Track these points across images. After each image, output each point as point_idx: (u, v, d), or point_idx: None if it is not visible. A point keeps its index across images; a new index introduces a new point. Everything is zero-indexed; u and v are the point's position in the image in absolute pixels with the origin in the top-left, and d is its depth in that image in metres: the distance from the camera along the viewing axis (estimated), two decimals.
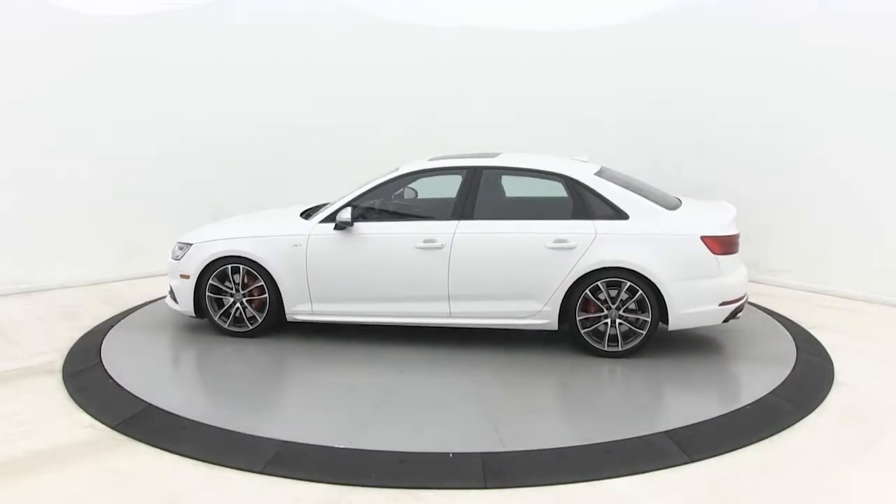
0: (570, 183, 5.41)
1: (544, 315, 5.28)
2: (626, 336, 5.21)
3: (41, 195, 7.58)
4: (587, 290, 5.15)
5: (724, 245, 5.15)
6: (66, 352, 5.50)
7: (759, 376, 4.90)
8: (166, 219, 8.42)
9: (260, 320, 5.69)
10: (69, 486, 3.52)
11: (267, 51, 9.02)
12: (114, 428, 4.15)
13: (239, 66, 8.84)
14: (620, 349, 5.20)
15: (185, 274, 5.77)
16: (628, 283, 5.10)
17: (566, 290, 5.19)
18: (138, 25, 8.15)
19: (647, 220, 5.20)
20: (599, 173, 5.56)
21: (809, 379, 4.95)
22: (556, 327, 5.31)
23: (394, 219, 5.59)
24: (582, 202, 5.33)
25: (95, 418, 4.30)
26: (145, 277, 8.00)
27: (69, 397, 4.64)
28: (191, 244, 5.87)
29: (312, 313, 5.63)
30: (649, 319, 5.12)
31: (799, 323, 6.29)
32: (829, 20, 7.52)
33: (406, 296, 5.41)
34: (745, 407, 4.39)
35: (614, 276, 5.12)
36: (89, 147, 7.86)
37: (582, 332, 5.24)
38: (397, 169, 5.73)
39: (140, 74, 8.14)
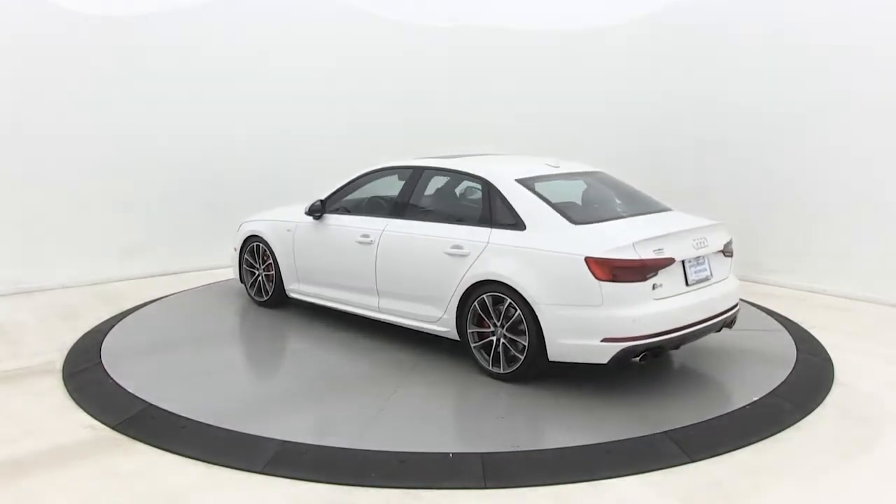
0: (485, 187, 5.10)
1: (444, 323, 5.09)
2: (512, 360, 4.72)
3: (41, 195, 7.57)
4: (475, 303, 4.84)
5: (611, 271, 4.31)
6: (66, 352, 5.50)
7: (758, 376, 4.90)
8: (166, 219, 8.43)
9: (270, 293, 6.58)
10: (69, 486, 3.52)
11: (267, 51, 9.02)
12: (114, 428, 4.15)
13: (239, 65, 8.83)
14: (502, 371, 4.75)
15: (235, 247, 7.01)
16: (508, 301, 4.65)
17: (458, 299, 4.93)
18: (138, 25, 8.14)
19: (543, 234, 4.66)
20: (529, 179, 5.09)
21: (809, 379, 4.95)
22: (457, 337, 5.05)
23: (353, 213, 5.96)
24: (489, 208, 5.00)
25: (95, 418, 4.29)
26: (145, 277, 8.00)
27: (69, 397, 4.64)
28: (242, 222, 6.92)
29: (300, 292, 6.36)
30: (526, 343, 4.60)
31: (799, 323, 6.29)
32: (829, 20, 7.52)
33: (349, 285, 5.80)
34: (745, 407, 4.39)
35: (498, 290, 4.70)
36: (89, 147, 7.85)
37: (472, 346, 4.93)
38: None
39: (140, 74, 8.13)
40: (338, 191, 6.11)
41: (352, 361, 5.28)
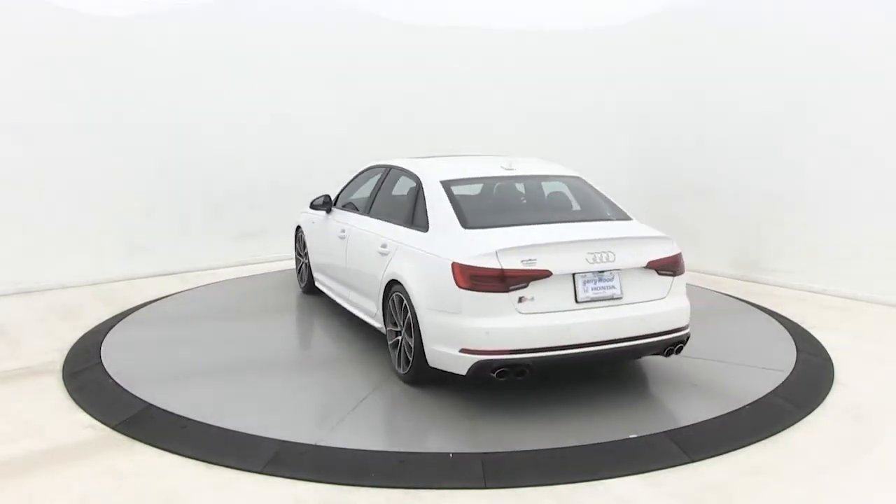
0: (416, 187, 5.10)
1: (378, 318, 5.14)
2: (408, 362, 4.64)
3: (41, 195, 7.58)
4: (389, 302, 4.86)
5: (470, 278, 4.12)
6: (66, 352, 5.50)
7: (759, 376, 4.90)
8: (166, 219, 8.43)
9: (305, 281, 7.14)
10: (69, 486, 3.51)
11: (267, 51, 9.03)
12: (114, 428, 4.15)
13: (239, 65, 8.84)
14: (402, 372, 4.73)
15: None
16: (404, 302, 4.61)
17: (381, 297, 4.97)
18: (139, 25, 8.15)
19: (437, 237, 4.60)
20: (455, 180, 5.01)
21: (809, 379, 4.95)
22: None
23: (346, 209, 6.17)
24: (413, 208, 5.02)
25: (95, 418, 4.29)
26: (145, 277, 8.00)
27: (69, 397, 4.64)
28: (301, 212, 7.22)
29: (320, 282, 6.76)
30: (412, 346, 4.53)
31: (799, 323, 6.28)
32: (828, 19, 7.52)
33: (338, 278, 6.13)
34: (745, 407, 4.39)
35: (400, 291, 4.67)
36: (90, 147, 7.86)
37: (388, 343, 4.95)
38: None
39: (141, 74, 8.14)
40: (344, 188, 6.46)
41: (355, 362, 5.28)
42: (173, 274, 8.21)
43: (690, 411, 4.32)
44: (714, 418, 4.22)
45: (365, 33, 9.71)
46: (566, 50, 9.85)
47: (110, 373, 4.95)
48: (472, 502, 3.39)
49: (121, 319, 6.33)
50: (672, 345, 4.53)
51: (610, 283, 4.32)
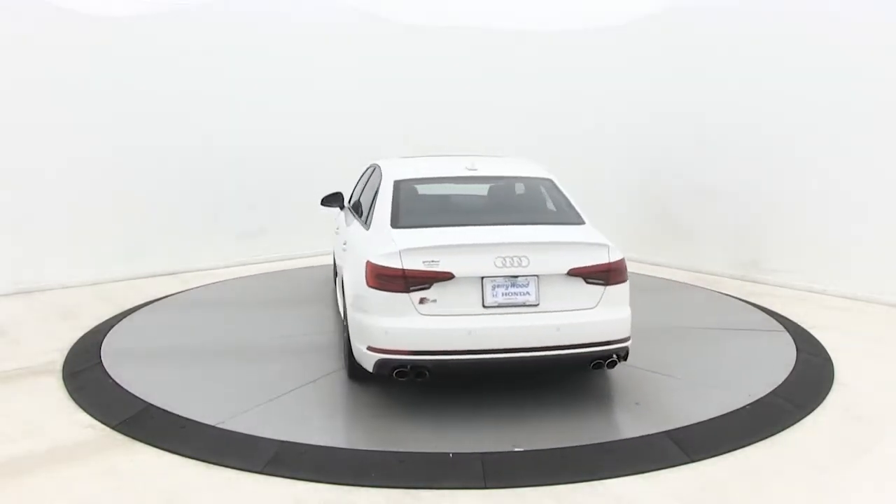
0: (379, 187, 5.13)
1: (342, 314, 5.22)
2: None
3: (41, 195, 7.58)
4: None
5: (376, 277, 4.15)
6: (66, 352, 5.50)
7: (759, 376, 4.90)
8: (166, 219, 8.43)
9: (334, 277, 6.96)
10: (69, 486, 3.51)
11: (267, 51, 9.02)
12: (114, 428, 4.15)
13: (239, 66, 8.84)
14: (346, 367, 4.83)
15: None
16: None
17: (340, 293, 5.14)
18: (139, 25, 8.15)
19: (372, 235, 4.63)
20: (408, 180, 5.04)
21: (809, 379, 4.95)
22: None
23: (348, 207, 6.22)
24: (370, 207, 5.04)
25: (95, 418, 4.29)
26: (145, 277, 8.00)
27: (69, 397, 4.63)
28: None
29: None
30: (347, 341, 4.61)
31: (799, 323, 6.28)
32: (829, 20, 7.52)
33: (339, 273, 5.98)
34: (745, 407, 4.39)
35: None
36: (89, 147, 7.85)
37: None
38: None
39: (141, 75, 8.14)
40: (354, 186, 6.51)
41: (323, 355, 5.28)
42: (173, 274, 8.21)
43: (690, 411, 4.31)
44: (714, 418, 4.22)
45: (365, 33, 9.71)
46: (566, 50, 9.85)
47: (110, 373, 4.95)
48: (472, 502, 3.39)
49: (121, 319, 6.33)
50: (601, 358, 4.27)
51: (524, 290, 4.17)
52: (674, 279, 8.18)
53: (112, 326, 6.09)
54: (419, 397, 4.54)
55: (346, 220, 5.96)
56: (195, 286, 7.68)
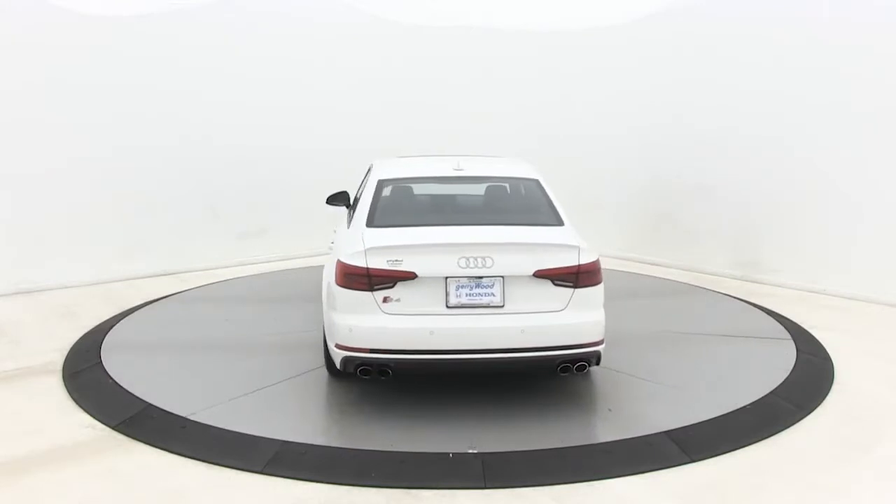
0: (365, 185, 5.23)
1: None
2: None
3: (41, 195, 7.57)
4: None
5: (344, 276, 4.19)
6: (66, 352, 5.50)
7: (759, 376, 4.90)
8: (166, 219, 8.43)
9: None
10: (69, 486, 3.51)
11: (268, 51, 9.02)
12: (114, 428, 4.15)
13: (239, 66, 8.83)
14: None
15: None
16: None
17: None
18: (139, 25, 8.14)
19: (350, 233, 4.67)
20: (392, 179, 5.09)
21: (809, 379, 4.95)
22: None
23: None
24: (355, 207, 5.08)
25: (95, 418, 4.29)
26: (145, 277, 7.99)
27: (69, 397, 4.64)
28: None
29: None
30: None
31: (799, 323, 6.28)
32: (829, 20, 7.52)
33: None
34: (745, 407, 4.39)
35: None
36: (89, 147, 7.85)
37: None
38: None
39: (141, 75, 8.13)
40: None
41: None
42: (173, 274, 8.21)
43: (690, 411, 4.31)
44: (714, 418, 4.22)
45: (365, 33, 9.71)
46: (567, 50, 9.84)
47: (110, 373, 4.95)
48: (472, 502, 3.39)
49: (121, 319, 6.33)
50: (569, 362, 4.19)
51: (489, 290, 4.14)
52: (674, 279, 8.18)
53: (112, 326, 6.09)
54: (389, 395, 4.56)
55: (345, 219, 5.96)
56: (195, 286, 7.68)
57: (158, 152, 8.32)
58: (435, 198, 5.40)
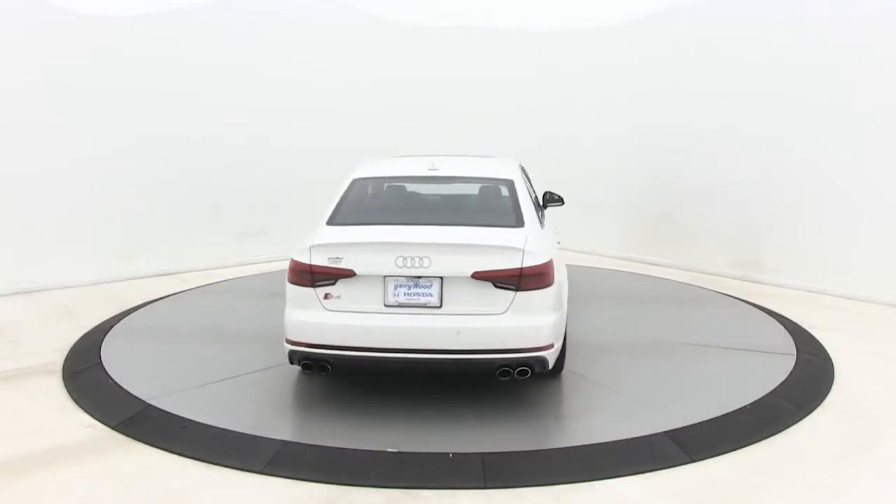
0: None
1: None
2: None
3: (41, 195, 7.57)
4: None
5: (292, 272, 4.31)
6: (66, 352, 5.50)
7: (759, 377, 4.90)
8: (166, 219, 8.43)
9: None
10: (69, 486, 3.51)
11: (268, 51, 9.02)
12: (114, 428, 4.15)
13: (239, 66, 8.83)
14: None
15: None
16: None
17: None
18: (140, 25, 8.14)
19: (314, 232, 4.65)
20: (367, 178, 5.22)
21: (809, 379, 4.95)
22: None
23: None
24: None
25: (95, 418, 4.29)
26: (145, 277, 7.99)
27: (69, 397, 4.64)
28: None
29: None
30: None
31: (799, 323, 6.28)
32: (829, 20, 7.52)
33: None
34: (745, 407, 4.39)
35: None
36: (89, 147, 7.85)
37: None
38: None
39: (141, 75, 8.13)
40: None
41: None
42: (173, 274, 8.21)
43: (690, 411, 4.31)
44: (714, 418, 4.22)
45: (365, 33, 9.70)
46: (567, 50, 9.84)
47: (110, 373, 4.95)
48: (472, 502, 3.39)
49: (121, 319, 6.33)
50: (507, 366, 4.11)
51: (426, 290, 4.14)
52: (674, 279, 8.17)
53: (112, 326, 6.09)
54: (389, 395, 4.57)
55: None
56: (195, 286, 7.68)
57: (158, 152, 8.32)
58: (401, 197, 5.41)
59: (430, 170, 5.23)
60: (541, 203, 6.42)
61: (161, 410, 4.33)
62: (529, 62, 10.05)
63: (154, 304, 6.92)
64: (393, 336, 4.11)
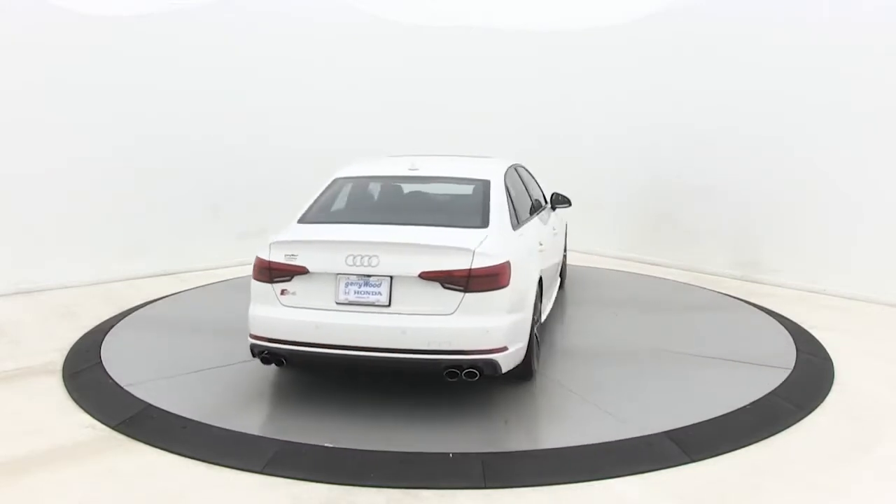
0: None
1: None
2: None
3: (41, 195, 7.57)
4: None
5: (255, 269, 4.44)
6: (66, 352, 5.50)
7: (759, 376, 4.90)
8: (166, 219, 8.43)
9: None
10: (69, 486, 3.51)
11: (268, 50, 9.03)
12: (114, 428, 4.15)
13: (239, 66, 8.84)
14: None
15: None
16: None
17: None
18: (140, 25, 8.14)
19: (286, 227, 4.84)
20: (348, 178, 5.35)
21: (809, 379, 4.95)
22: None
23: None
24: None
25: (95, 418, 4.29)
26: (145, 277, 8.00)
27: (69, 397, 4.63)
28: None
29: None
30: None
31: (799, 323, 6.28)
32: (829, 21, 7.52)
33: None
34: (745, 407, 4.39)
35: None
36: (89, 147, 7.85)
37: None
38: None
39: (141, 75, 8.14)
40: None
41: None
42: (173, 274, 8.21)
43: (690, 411, 4.30)
44: (714, 418, 4.22)
45: (365, 33, 9.71)
46: (567, 50, 9.85)
47: (110, 373, 4.95)
48: (472, 502, 3.39)
49: (121, 319, 6.33)
50: (454, 367, 4.08)
51: (376, 289, 4.17)
52: (674, 279, 8.17)
53: (112, 326, 6.09)
54: (389, 395, 4.56)
55: None
56: (195, 286, 7.68)
57: (158, 152, 8.32)
58: (373, 197, 5.44)
59: (410, 170, 5.31)
60: (544, 203, 6.41)
61: (161, 410, 4.33)
62: (529, 62, 10.05)
63: (154, 303, 6.92)
64: (342, 333, 4.17)
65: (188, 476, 3.62)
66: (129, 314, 6.52)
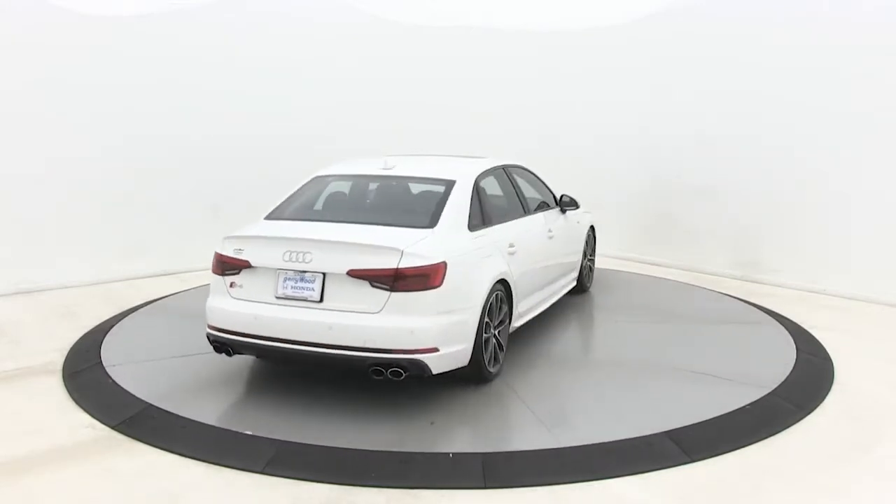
0: None
1: None
2: None
3: (41, 195, 7.57)
4: None
5: (213, 262, 4.64)
6: (66, 352, 5.50)
7: (759, 376, 4.89)
8: (166, 219, 8.43)
9: None
10: (69, 486, 3.51)
11: (267, 51, 9.03)
12: (114, 428, 4.15)
13: (239, 65, 8.84)
14: None
15: None
16: None
17: None
18: (140, 25, 8.15)
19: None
20: (327, 176, 5.54)
21: (809, 379, 4.95)
22: None
23: None
24: None
25: (95, 418, 4.29)
26: (145, 277, 7.99)
27: (69, 397, 4.63)
28: None
29: None
30: None
31: (799, 323, 6.28)
32: (829, 21, 7.52)
33: None
34: (745, 407, 4.39)
35: None
36: (89, 146, 7.85)
37: None
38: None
39: (141, 75, 8.14)
40: None
41: None
42: (173, 274, 8.21)
43: (690, 411, 4.30)
44: (714, 418, 4.22)
45: (365, 33, 9.71)
46: (566, 50, 9.85)
47: (110, 373, 4.95)
48: (472, 502, 3.39)
49: (121, 319, 6.33)
50: (380, 366, 4.12)
51: (309, 285, 4.27)
52: (673, 279, 8.17)
53: (112, 326, 6.09)
54: (389, 394, 4.55)
55: None
56: (195, 286, 7.67)
57: (159, 152, 8.32)
58: (340, 195, 5.49)
59: (383, 169, 5.39)
60: (553, 205, 6.39)
61: (161, 410, 4.33)
62: (529, 62, 10.05)
63: (154, 303, 6.92)
64: (278, 326, 4.30)
65: (188, 476, 3.62)
66: (129, 314, 6.52)
